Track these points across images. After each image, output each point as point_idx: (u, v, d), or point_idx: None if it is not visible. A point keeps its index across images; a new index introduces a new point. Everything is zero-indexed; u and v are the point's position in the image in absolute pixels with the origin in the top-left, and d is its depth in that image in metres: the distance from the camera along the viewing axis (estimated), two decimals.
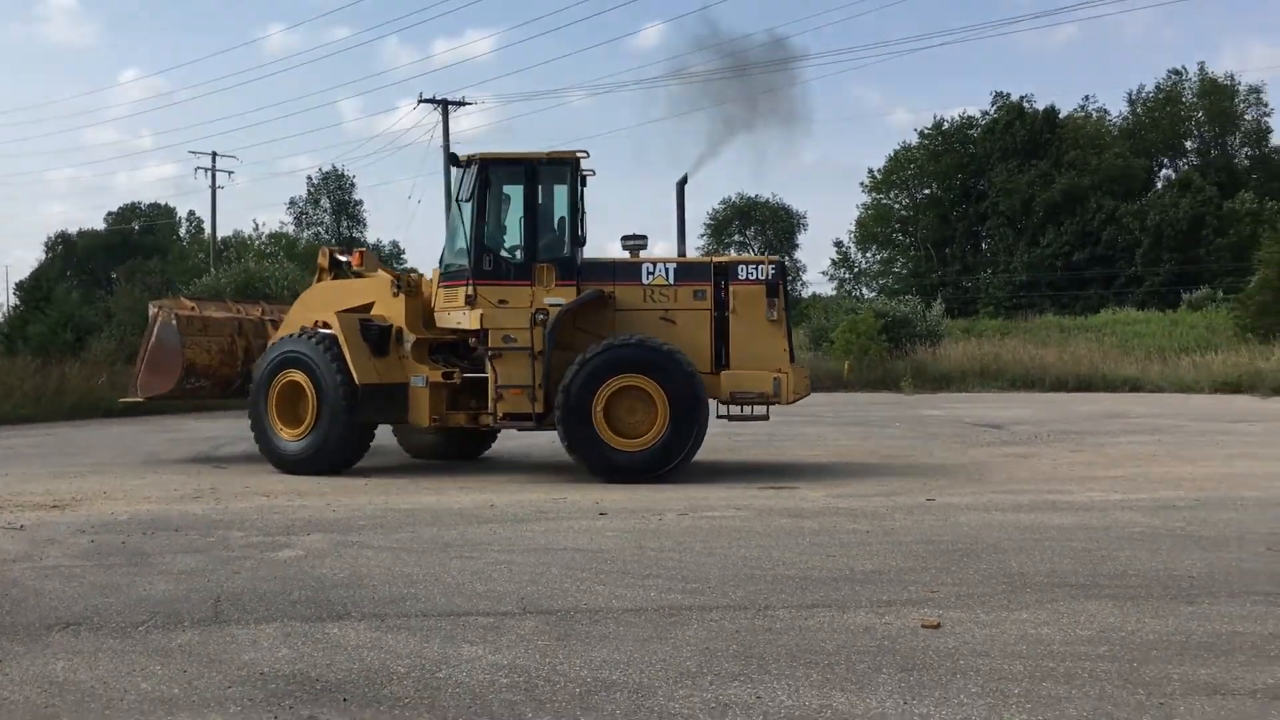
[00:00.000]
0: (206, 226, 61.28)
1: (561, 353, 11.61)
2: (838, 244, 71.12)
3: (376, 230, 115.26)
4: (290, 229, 69.21)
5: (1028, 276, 56.80)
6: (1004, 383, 30.19)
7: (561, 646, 5.12)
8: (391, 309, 12.38)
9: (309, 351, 12.03)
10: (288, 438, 12.14)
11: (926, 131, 65.59)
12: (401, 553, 7.41)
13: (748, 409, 12.14)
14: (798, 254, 72.15)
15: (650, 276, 12.02)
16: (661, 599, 6.05)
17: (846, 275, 70.07)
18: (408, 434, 14.05)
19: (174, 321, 13.28)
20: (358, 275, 13.40)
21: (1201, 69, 63.22)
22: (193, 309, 13.93)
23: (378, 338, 12.14)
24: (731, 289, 12.04)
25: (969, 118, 64.95)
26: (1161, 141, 63.38)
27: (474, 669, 4.78)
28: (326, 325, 12.29)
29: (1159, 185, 60.41)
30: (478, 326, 11.75)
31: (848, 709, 4.27)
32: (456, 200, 12.03)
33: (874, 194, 68.58)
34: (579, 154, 12.01)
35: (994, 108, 63.50)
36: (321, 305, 12.80)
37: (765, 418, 12.39)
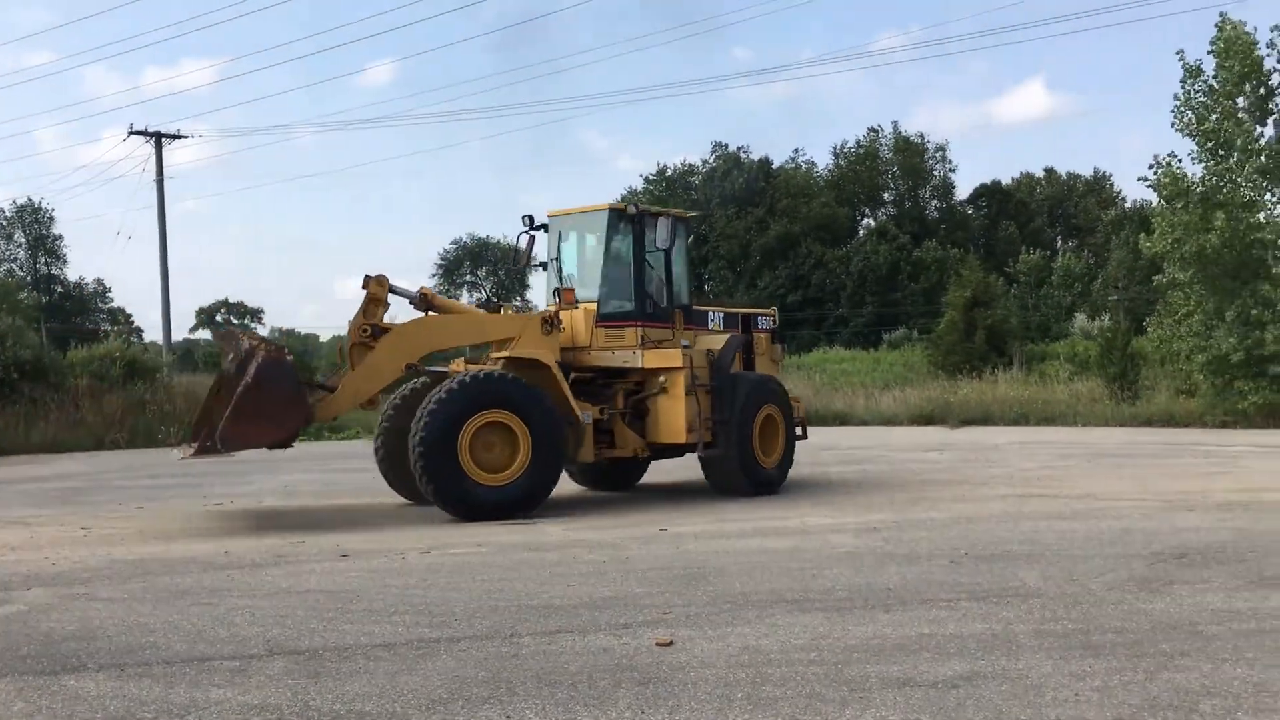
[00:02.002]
0: None
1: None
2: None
3: (79, 268, 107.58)
4: None
5: None
6: None
7: (313, 684, 5.22)
8: (543, 347, 12.32)
9: (512, 390, 11.50)
10: (489, 483, 11.28)
11: (651, 177, 68.03)
12: (134, 603, 7.20)
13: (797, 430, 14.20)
14: (529, 295, 72.94)
15: (711, 323, 14.07)
16: (410, 633, 6.23)
17: None
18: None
19: (289, 359, 11.37)
20: (429, 309, 12.94)
21: (895, 127, 68.71)
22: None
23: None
24: (755, 335, 14.34)
25: (690, 165, 67.93)
26: (862, 192, 68.31)
27: (224, 710, 4.82)
28: (498, 362, 12.22)
29: (861, 233, 65.08)
30: (665, 365, 12.66)
31: None
32: (663, 248, 12.92)
33: None
34: (694, 214, 13.77)
35: (713, 156, 66.69)
36: (438, 340, 12.71)
37: (805, 436, 14.36)
